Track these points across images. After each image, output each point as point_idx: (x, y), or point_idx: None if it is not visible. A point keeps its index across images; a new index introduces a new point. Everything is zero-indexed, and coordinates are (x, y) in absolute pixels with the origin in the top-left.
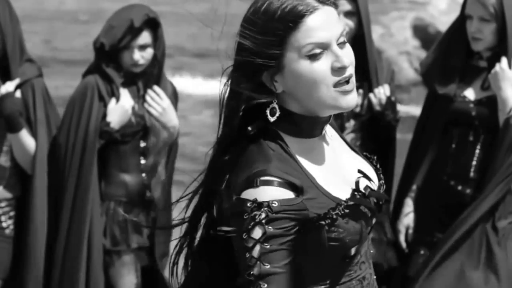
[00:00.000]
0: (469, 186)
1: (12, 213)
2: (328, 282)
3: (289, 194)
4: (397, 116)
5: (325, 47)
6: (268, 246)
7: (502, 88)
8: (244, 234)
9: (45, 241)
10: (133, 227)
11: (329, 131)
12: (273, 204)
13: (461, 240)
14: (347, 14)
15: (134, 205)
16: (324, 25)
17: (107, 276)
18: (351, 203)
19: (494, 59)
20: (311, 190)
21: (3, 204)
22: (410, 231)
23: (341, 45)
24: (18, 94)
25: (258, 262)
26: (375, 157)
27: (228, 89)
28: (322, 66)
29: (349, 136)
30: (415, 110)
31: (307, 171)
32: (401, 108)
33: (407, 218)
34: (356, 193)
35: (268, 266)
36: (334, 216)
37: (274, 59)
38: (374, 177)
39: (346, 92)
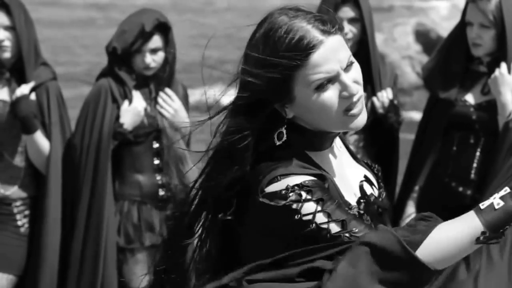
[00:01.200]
0: (469, 188)
1: (27, 212)
2: None
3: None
4: (399, 118)
5: (333, 79)
6: (328, 209)
7: (502, 92)
8: (297, 217)
9: (59, 240)
10: (146, 226)
11: (337, 141)
12: (306, 182)
13: None
14: (351, 21)
15: (148, 204)
16: (331, 57)
17: (120, 274)
18: (356, 210)
19: (493, 64)
20: (331, 186)
21: (18, 203)
22: None
23: (348, 67)
24: (33, 96)
25: (332, 221)
26: (376, 165)
27: (232, 121)
28: (331, 96)
29: (353, 138)
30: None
31: (324, 168)
32: (403, 111)
33: (409, 219)
34: (362, 200)
35: (342, 218)
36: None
37: (284, 95)
38: (375, 185)
39: (354, 116)
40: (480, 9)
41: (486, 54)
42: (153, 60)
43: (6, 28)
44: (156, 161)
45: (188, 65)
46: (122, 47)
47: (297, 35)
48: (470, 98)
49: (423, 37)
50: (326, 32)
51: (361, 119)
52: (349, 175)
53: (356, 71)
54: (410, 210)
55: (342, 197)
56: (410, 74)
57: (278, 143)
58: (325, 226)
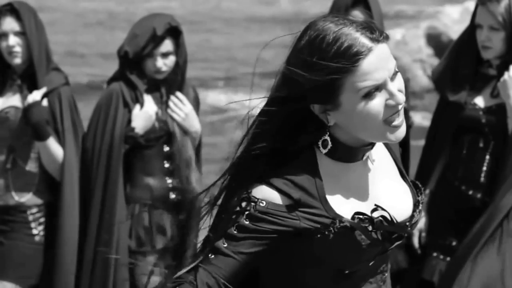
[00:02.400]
0: (479, 191)
1: (42, 220)
2: None
3: (282, 201)
4: (409, 121)
5: (381, 87)
6: (235, 232)
7: (511, 96)
8: (228, 214)
9: (77, 248)
10: (158, 229)
11: (380, 153)
12: (261, 204)
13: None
14: None
15: (158, 207)
16: (379, 66)
17: (132, 277)
18: (345, 223)
19: (503, 67)
20: (314, 202)
21: (34, 211)
22: (423, 234)
23: (393, 76)
24: (45, 102)
25: (223, 238)
26: (422, 188)
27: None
28: (377, 104)
29: None
30: (428, 116)
31: (321, 185)
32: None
33: (420, 222)
34: (356, 216)
35: (226, 245)
36: (326, 232)
37: (329, 100)
38: (405, 208)
39: (396, 127)
40: (490, 11)
41: (496, 57)
42: (164, 64)
43: (17, 33)
44: (167, 165)
45: None
46: (133, 51)
47: (347, 42)
48: (479, 101)
49: (435, 40)
50: (375, 40)
51: (402, 131)
52: (377, 190)
53: (400, 81)
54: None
55: (329, 210)
56: (422, 78)
57: (324, 151)
58: (224, 230)
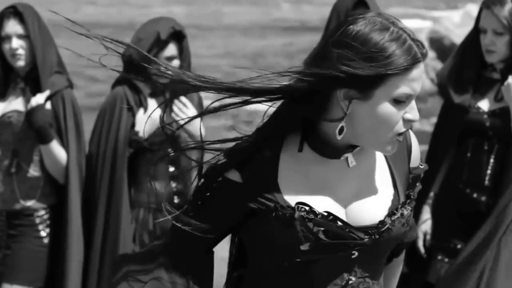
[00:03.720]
0: (484, 194)
1: (49, 222)
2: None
3: (233, 174)
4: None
5: (409, 98)
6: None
7: None
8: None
9: (83, 250)
10: (162, 233)
11: (372, 158)
12: (210, 167)
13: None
14: None
15: (163, 211)
16: (419, 79)
17: None
18: (286, 211)
19: (507, 71)
20: (269, 186)
21: (41, 213)
22: (428, 237)
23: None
24: (48, 105)
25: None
26: (413, 194)
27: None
28: (400, 113)
29: None
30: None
31: (280, 171)
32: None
33: (425, 225)
34: (300, 205)
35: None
36: (268, 215)
37: (367, 89)
38: (374, 213)
39: (397, 142)
40: (494, 15)
41: (500, 61)
42: None
43: (20, 36)
44: (171, 169)
45: None
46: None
47: (406, 45)
48: (483, 105)
49: (437, 44)
50: (423, 55)
51: (396, 148)
52: (347, 189)
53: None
54: (426, 216)
55: (278, 197)
56: (424, 81)
57: (339, 137)
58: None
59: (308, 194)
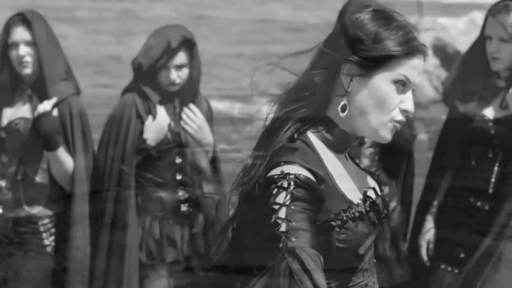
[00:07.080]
0: (488, 202)
1: (53, 230)
2: (333, 286)
3: (311, 177)
4: (414, 132)
5: (407, 87)
6: (293, 207)
7: None
8: (271, 202)
9: (89, 258)
10: (168, 241)
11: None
12: (300, 176)
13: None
14: None
15: (169, 220)
16: (419, 70)
17: None
18: (363, 207)
19: None
20: (328, 186)
21: (45, 221)
22: (431, 245)
23: (414, 89)
24: (55, 112)
25: (286, 220)
26: (377, 173)
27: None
28: (396, 98)
29: (368, 151)
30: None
31: (327, 168)
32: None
33: (429, 234)
34: (367, 199)
35: (295, 223)
36: (345, 218)
37: (371, 67)
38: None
39: (391, 130)
40: (500, 23)
41: (505, 69)
42: (178, 76)
43: (27, 43)
44: (179, 177)
45: None
46: (147, 63)
47: (411, 35)
48: (488, 113)
49: (441, 51)
50: (424, 50)
51: (390, 137)
52: (357, 182)
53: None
54: (429, 225)
55: (343, 195)
56: (427, 88)
57: (342, 115)
58: (279, 221)
59: (350, 190)
